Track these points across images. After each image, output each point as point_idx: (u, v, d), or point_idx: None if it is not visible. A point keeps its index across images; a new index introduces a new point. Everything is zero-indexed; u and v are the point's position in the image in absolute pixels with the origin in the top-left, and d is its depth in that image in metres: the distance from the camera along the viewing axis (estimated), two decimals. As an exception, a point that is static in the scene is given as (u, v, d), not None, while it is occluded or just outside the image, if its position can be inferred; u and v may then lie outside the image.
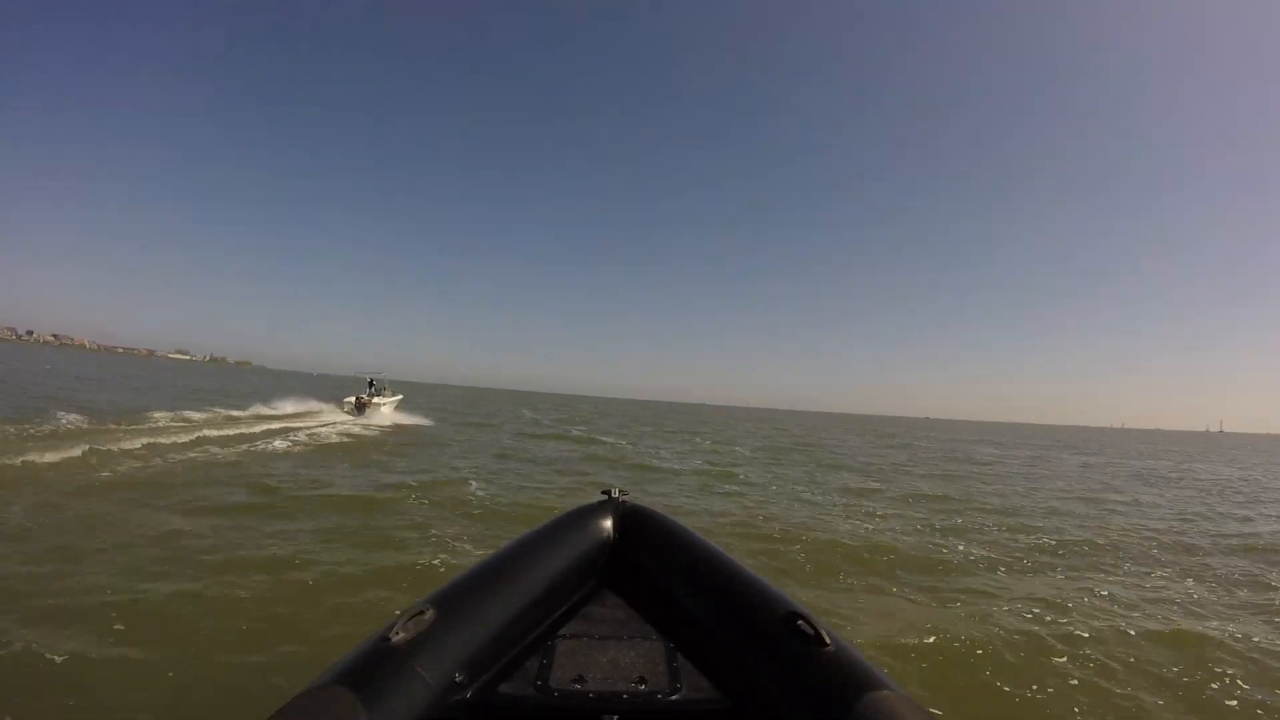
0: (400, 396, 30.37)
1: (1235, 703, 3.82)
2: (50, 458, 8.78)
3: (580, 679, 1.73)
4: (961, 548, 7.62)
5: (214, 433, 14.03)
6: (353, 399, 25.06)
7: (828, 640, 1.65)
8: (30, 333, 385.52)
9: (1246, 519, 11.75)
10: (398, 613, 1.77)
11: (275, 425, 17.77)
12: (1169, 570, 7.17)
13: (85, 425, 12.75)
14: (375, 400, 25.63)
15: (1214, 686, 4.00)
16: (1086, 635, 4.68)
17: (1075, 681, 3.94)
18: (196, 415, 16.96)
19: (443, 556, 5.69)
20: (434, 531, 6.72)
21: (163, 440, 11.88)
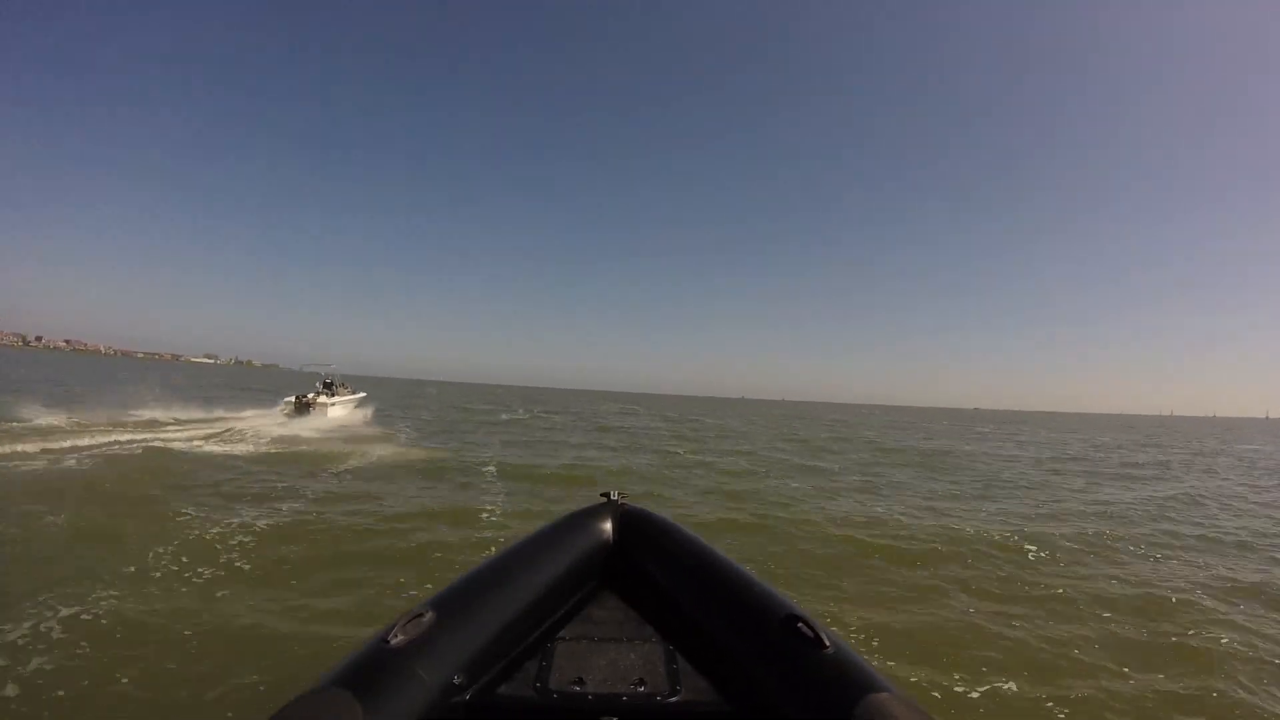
0: (362, 395, 27.11)
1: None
2: None
3: (580, 681, 1.73)
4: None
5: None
6: (293, 399, 21.58)
7: (827, 642, 1.64)
8: (39, 338, 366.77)
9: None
10: (398, 615, 1.78)
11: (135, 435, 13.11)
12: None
13: None
14: (323, 400, 22.12)
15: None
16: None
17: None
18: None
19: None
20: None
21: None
